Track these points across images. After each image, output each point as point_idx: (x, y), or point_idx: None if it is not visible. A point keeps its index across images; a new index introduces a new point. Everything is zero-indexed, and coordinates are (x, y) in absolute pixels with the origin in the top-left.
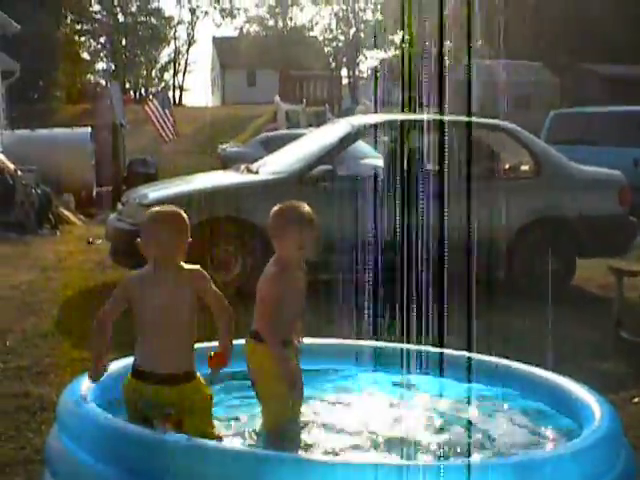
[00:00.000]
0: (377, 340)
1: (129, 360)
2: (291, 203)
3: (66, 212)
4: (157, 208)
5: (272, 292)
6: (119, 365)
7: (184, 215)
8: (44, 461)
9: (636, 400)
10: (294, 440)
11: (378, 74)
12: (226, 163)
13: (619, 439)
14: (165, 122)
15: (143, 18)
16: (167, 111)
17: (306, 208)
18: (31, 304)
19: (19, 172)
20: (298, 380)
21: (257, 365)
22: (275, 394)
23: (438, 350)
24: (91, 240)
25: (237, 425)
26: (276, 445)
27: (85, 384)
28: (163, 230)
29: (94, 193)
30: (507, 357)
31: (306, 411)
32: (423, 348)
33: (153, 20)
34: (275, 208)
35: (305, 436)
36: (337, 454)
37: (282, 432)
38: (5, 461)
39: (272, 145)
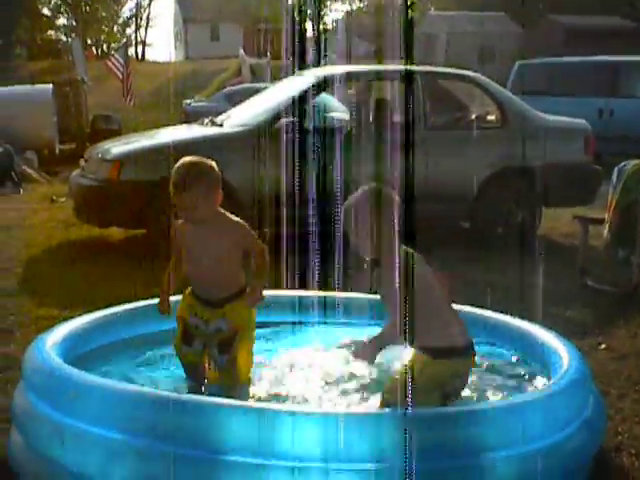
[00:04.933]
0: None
1: (93, 316)
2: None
3: (29, 170)
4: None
5: None
6: (83, 321)
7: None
8: (10, 419)
9: (602, 346)
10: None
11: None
12: (191, 118)
13: (587, 385)
14: (126, 80)
15: None
16: (126, 68)
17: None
18: None
19: None
20: None
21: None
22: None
23: None
24: (54, 198)
25: None
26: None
27: (50, 340)
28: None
29: (57, 150)
30: (474, 306)
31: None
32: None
33: None
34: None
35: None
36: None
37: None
38: None
39: (237, 99)
